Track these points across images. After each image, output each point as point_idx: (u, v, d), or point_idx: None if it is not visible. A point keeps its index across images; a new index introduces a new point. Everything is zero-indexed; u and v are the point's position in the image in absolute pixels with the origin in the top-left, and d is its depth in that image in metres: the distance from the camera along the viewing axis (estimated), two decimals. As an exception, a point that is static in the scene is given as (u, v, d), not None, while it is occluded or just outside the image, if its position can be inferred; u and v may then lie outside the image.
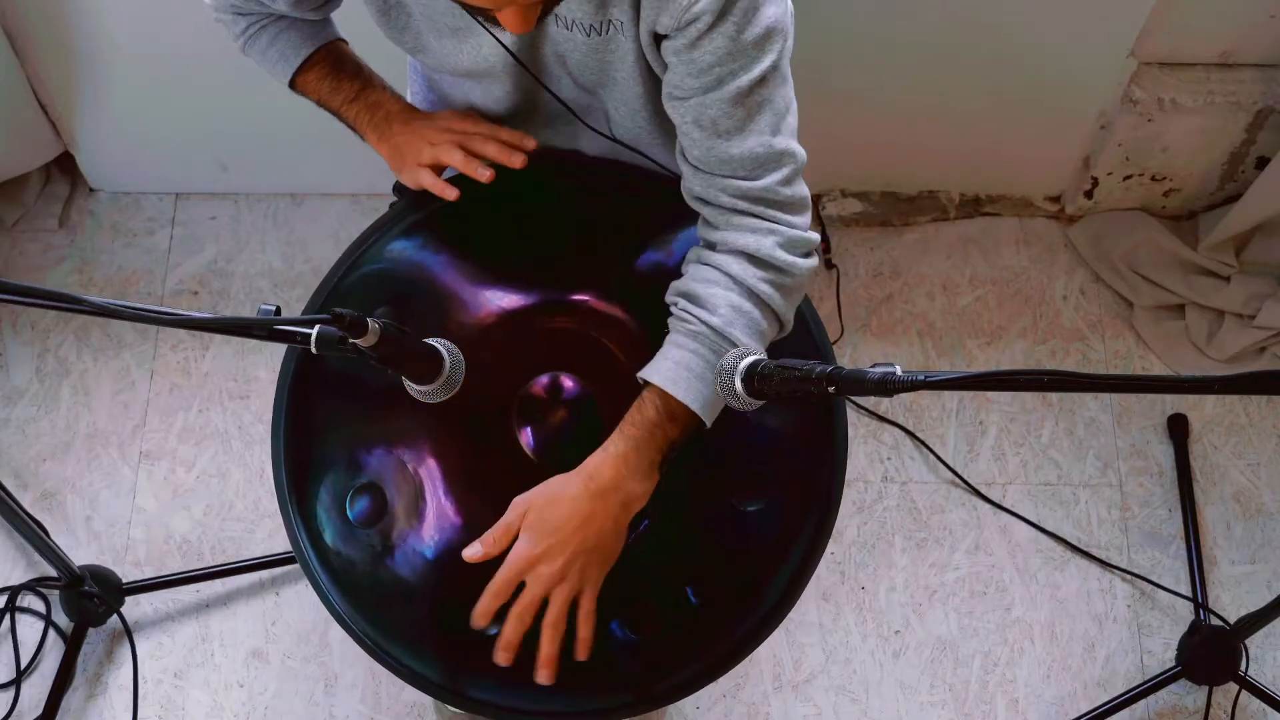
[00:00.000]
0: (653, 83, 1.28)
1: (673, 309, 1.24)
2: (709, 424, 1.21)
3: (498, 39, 1.24)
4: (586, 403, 1.32)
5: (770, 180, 1.21)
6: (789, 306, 1.24)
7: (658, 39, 1.19)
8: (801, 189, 1.23)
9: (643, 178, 1.42)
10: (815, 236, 1.24)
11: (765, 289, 1.21)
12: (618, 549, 1.23)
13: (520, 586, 1.21)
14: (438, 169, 1.37)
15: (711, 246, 1.25)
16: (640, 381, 1.22)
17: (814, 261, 1.25)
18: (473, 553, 1.20)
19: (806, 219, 1.24)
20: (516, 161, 1.34)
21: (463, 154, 1.34)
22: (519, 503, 1.21)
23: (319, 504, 1.30)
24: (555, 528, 1.19)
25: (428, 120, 1.39)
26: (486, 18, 1.13)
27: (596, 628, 1.25)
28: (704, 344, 1.20)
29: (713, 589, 1.29)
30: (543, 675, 1.21)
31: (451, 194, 1.35)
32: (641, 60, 1.24)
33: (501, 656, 1.21)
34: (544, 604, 1.21)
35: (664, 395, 1.19)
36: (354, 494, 1.29)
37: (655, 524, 1.28)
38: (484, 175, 1.34)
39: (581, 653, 1.23)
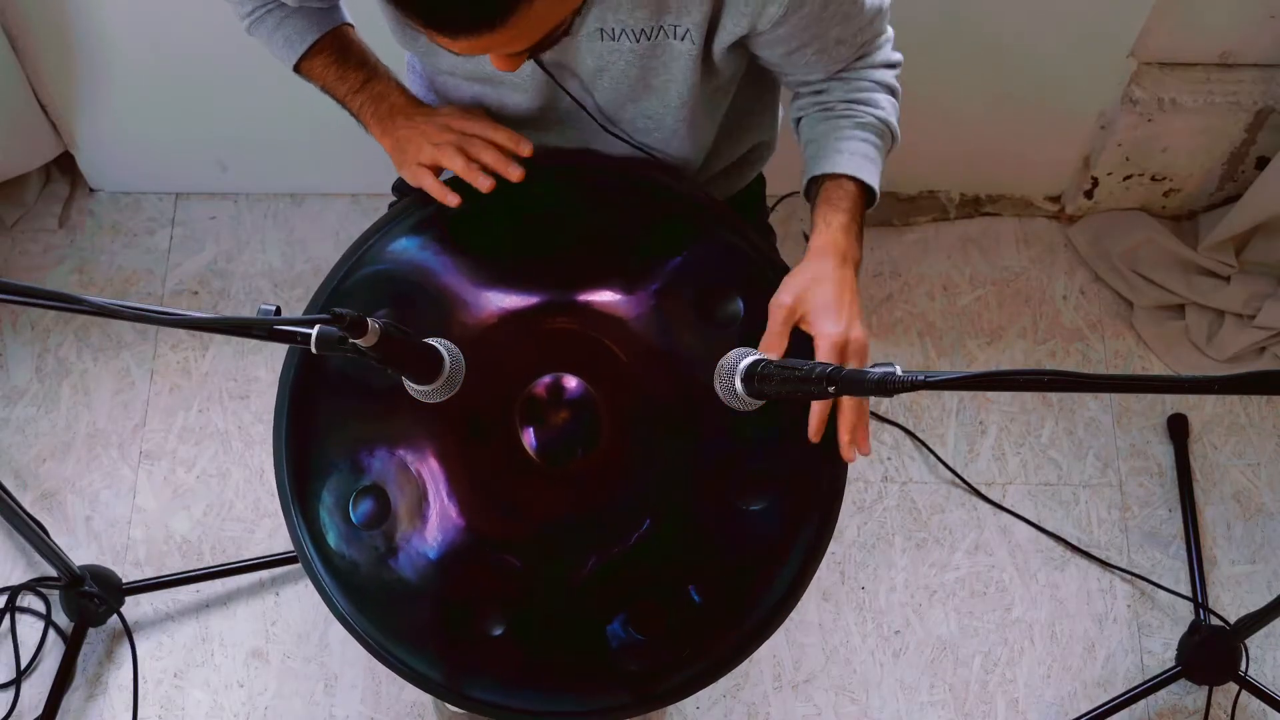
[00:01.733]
0: (699, 82, 1.30)
1: (830, 112, 1.36)
2: (876, 201, 1.35)
3: (535, 59, 1.24)
4: (588, 403, 1.32)
5: (882, 39, 1.37)
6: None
7: (747, 35, 1.24)
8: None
9: (647, 178, 1.42)
10: None
11: (897, 84, 1.39)
12: None
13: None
14: (438, 170, 1.36)
15: (845, 74, 1.37)
16: (805, 186, 1.36)
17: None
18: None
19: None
20: (514, 174, 1.34)
21: (463, 159, 1.34)
22: (783, 300, 1.26)
23: (322, 506, 1.30)
24: (838, 301, 1.25)
25: (429, 116, 1.38)
26: None
27: (591, 624, 1.26)
28: (872, 132, 1.34)
29: (715, 588, 1.29)
30: (847, 450, 1.25)
31: (453, 200, 1.35)
32: (697, 61, 1.26)
33: (863, 448, 1.24)
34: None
35: (851, 179, 1.31)
36: (357, 496, 1.29)
37: (657, 523, 1.28)
38: (484, 185, 1.34)
39: (862, 445, 1.26)
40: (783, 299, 1.26)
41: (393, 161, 1.40)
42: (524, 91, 1.34)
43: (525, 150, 1.35)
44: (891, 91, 1.38)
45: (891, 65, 1.39)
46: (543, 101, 1.36)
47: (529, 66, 1.27)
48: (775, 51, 1.29)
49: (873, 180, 1.32)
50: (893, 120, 1.37)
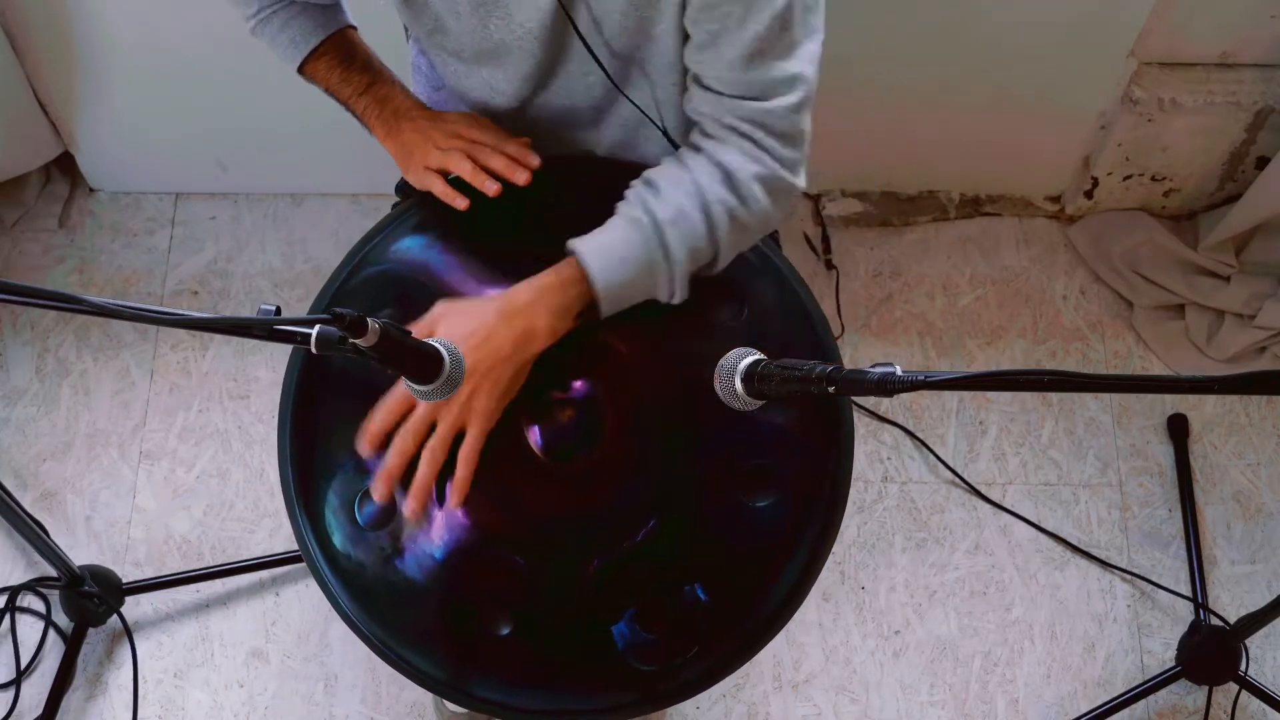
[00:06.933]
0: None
1: (628, 189, 1.26)
2: (603, 312, 1.24)
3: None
4: (592, 401, 1.32)
5: (779, 103, 1.21)
6: (731, 241, 1.25)
7: None
8: (806, 121, 1.24)
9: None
10: (796, 183, 1.26)
11: (719, 210, 1.23)
12: (510, 382, 1.24)
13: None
14: (445, 174, 1.37)
15: (696, 150, 1.27)
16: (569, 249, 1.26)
17: (773, 207, 1.25)
18: None
19: (797, 155, 1.25)
20: (521, 178, 1.34)
21: (471, 165, 1.34)
22: (441, 305, 1.25)
23: (327, 507, 1.30)
24: (457, 341, 1.19)
25: (436, 121, 1.38)
26: None
27: (597, 623, 1.25)
28: (638, 231, 1.23)
29: (721, 586, 1.29)
30: (409, 505, 1.23)
31: (461, 203, 1.35)
32: (678, 10, 1.22)
33: (380, 490, 1.23)
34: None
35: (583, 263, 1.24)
36: (362, 497, 1.29)
37: (663, 521, 1.28)
38: (490, 189, 1.33)
39: (453, 498, 1.24)
40: (442, 303, 1.25)
41: (398, 165, 1.40)
42: (530, 59, 1.32)
43: (534, 162, 1.35)
44: (707, 213, 1.22)
45: (732, 180, 1.22)
46: (543, 73, 1.34)
47: (537, 26, 1.25)
48: (699, 14, 1.19)
49: (598, 279, 1.22)
50: (669, 231, 1.21)
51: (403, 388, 1.22)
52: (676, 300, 1.27)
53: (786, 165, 1.25)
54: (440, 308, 1.26)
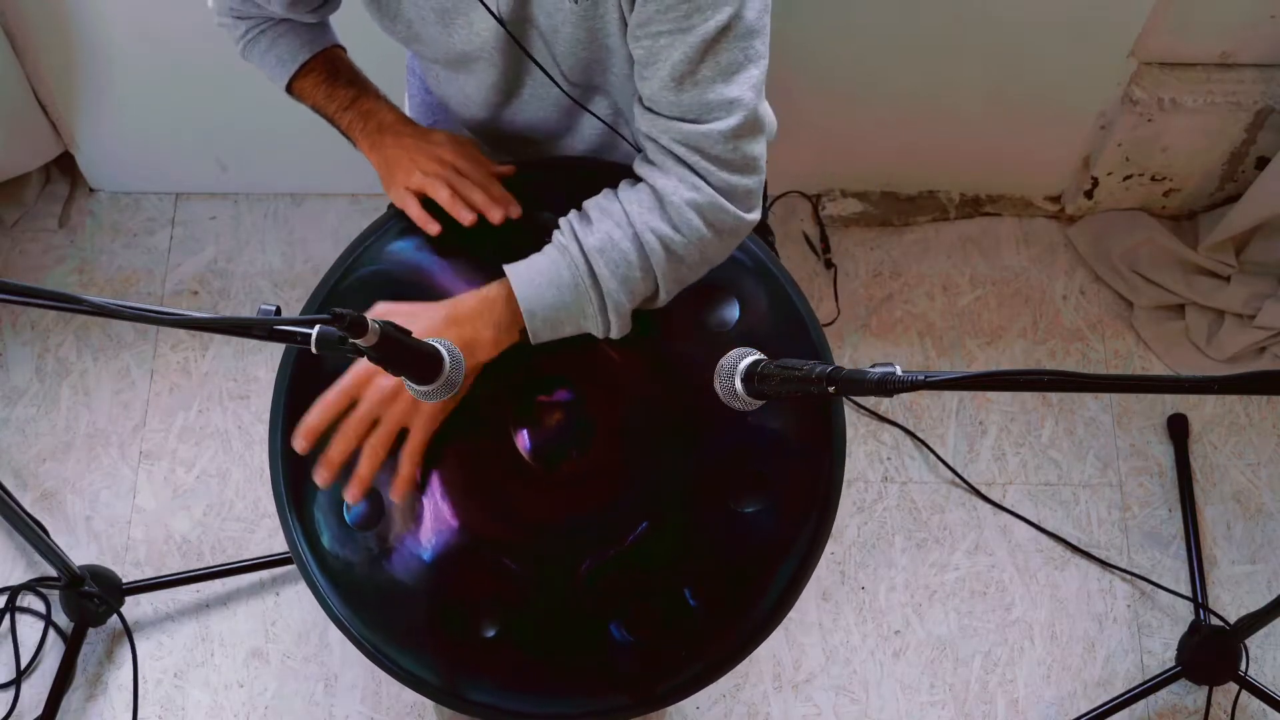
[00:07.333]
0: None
1: (562, 219, 1.26)
2: (532, 337, 1.23)
3: (486, 6, 1.23)
4: (581, 405, 1.32)
5: (714, 127, 1.18)
6: (670, 272, 1.23)
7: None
8: (750, 147, 1.21)
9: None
10: (742, 214, 1.23)
11: (651, 239, 1.21)
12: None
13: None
14: (422, 196, 1.36)
15: (635, 179, 1.26)
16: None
17: (714, 237, 1.22)
18: None
19: (745, 184, 1.22)
20: (496, 216, 1.33)
21: (449, 193, 1.34)
22: (379, 308, 1.24)
23: (316, 507, 1.30)
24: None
25: (421, 139, 1.38)
26: None
27: (588, 626, 1.25)
28: (565, 257, 1.23)
29: (710, 591, 1.29)
30: (350, 494, 1.24)
31: (434, 229, 1.35)
32: (621, 25, 1.22)
33: (321, 475, 1.23)
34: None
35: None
36: None
37: (653, 526, 1.28)
38: (466, 218, 1.33)
39: (395, 492, 1.24)
40: (380, 306, 1.25)
41: (380, 180, 1.40)
42: (496, 66, 1.32)
43: (515, 212, 1.34)
44: (638, 241, 1.20)
45: (664, 205, 1.19)
46: (515, 76, 1.34)
47: (495, 34, 1.26)
48: (640, 15, 1.17)
49: (525, 302, 1.21)
50: (597, 260, 1.20)
51: (343, 383, 1.23)
52: (614, 335, 1.25)
53: (730, 194, 1.21)
54: (382, 307, 1.26)
